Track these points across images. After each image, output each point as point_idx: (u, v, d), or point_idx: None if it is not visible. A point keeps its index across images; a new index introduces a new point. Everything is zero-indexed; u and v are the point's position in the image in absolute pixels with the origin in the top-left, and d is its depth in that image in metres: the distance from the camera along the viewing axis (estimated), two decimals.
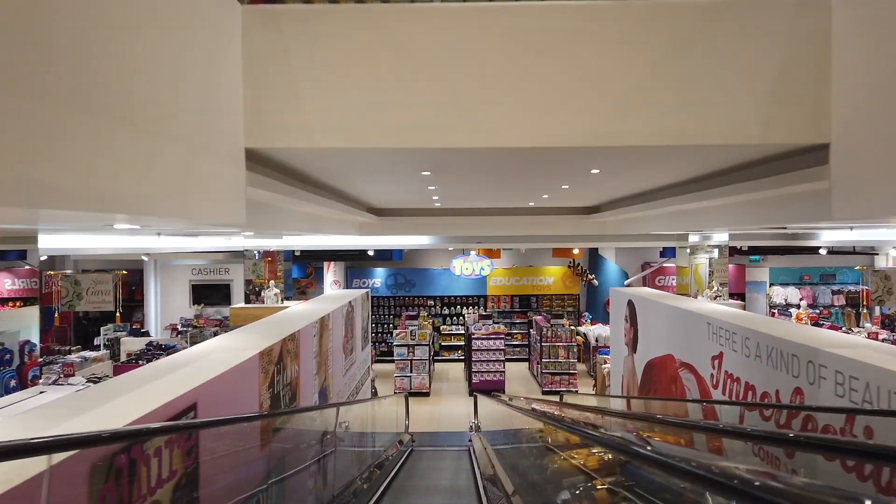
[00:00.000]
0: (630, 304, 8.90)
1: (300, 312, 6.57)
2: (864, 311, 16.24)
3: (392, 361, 15.53)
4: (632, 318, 8.81)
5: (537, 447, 6.62)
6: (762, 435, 3.76)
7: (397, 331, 15.62)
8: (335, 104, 4.21)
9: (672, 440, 4.53)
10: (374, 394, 12.13)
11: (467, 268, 16.37)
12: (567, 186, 7.50)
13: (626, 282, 19.47)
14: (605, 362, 11.83)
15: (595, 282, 19.47)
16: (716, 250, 12.03)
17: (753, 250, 16.87)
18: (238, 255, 15.53)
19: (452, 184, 7.15)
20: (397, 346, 15.21)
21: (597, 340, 17.05)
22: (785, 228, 10.75)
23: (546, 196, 9.10)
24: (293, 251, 15.51)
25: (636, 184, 7.17)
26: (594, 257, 19.84)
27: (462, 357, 18.87)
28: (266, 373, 4.44)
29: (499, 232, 12.70)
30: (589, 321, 19.04)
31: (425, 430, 12.10)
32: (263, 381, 4.39)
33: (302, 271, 17.43)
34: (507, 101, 4.20)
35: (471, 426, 12.01)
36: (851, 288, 18.75)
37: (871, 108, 3.86)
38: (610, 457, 4.79)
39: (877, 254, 17.51)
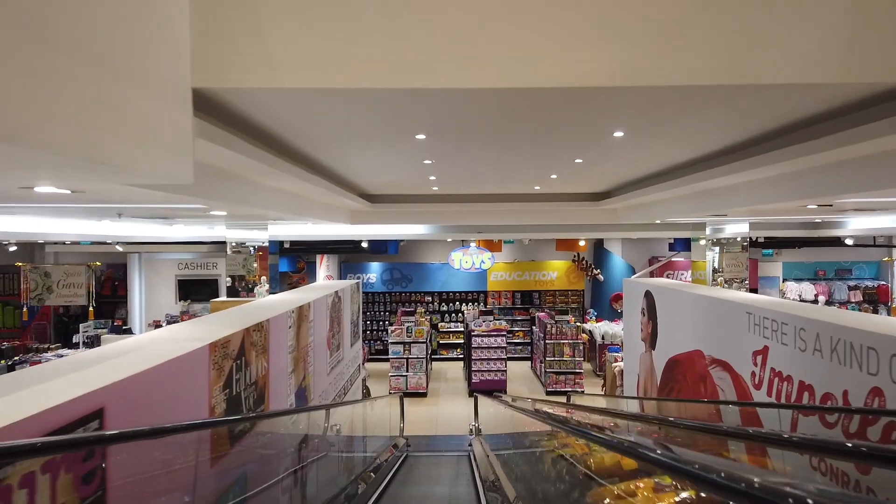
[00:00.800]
0: (648, 296, 8.05)
1: (274, 301, 5.71)
2: (893, 306, 15.39)
3: (387, 360, 14.67)
4: (650, 311, 7.96)
5: (545, 453, 5.82)
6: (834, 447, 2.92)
7: (393, 328, 14.76)
8: (307, 34, 3.35)
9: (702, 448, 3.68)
10: (367, 394, 11.27)
11: (467, 261, 15.50)
12: (581, 161, 6.64)
13: (632, 277, 18.62)
14: (616, 360, 10.98)
15: (600, 277, 18.63)
16: (736, 240, 11.17)
17: (769, 243, 16.01)
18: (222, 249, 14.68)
19: (451, 155, 6.29)
20: (392, 343, 14.35)
21: (603, 338, 16.22)
22: (820, 215, 9.90)
23: (555, 176, 8.24)
24: (281, 243, 14.64)
25: (661, 155, 6.31)
26: (599, 251, 19.00)
27: (461, 356, 18.02)
28: (220, 370, 3.57)
29: (501, 221, 11.84)
30: (594, 318, 18.19)
31: (422, 433, 11.25)
32: (217, 380, 3.53)
33: (293, 265, 16.56)
34: (519, 28, 3.34)
35: (471, 429, 11.18)
36: (869, 283, 17.91)
37: None
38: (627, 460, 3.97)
39: (893, 246, 16.67)
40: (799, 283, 17.94)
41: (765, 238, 14.02)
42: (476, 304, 18.71)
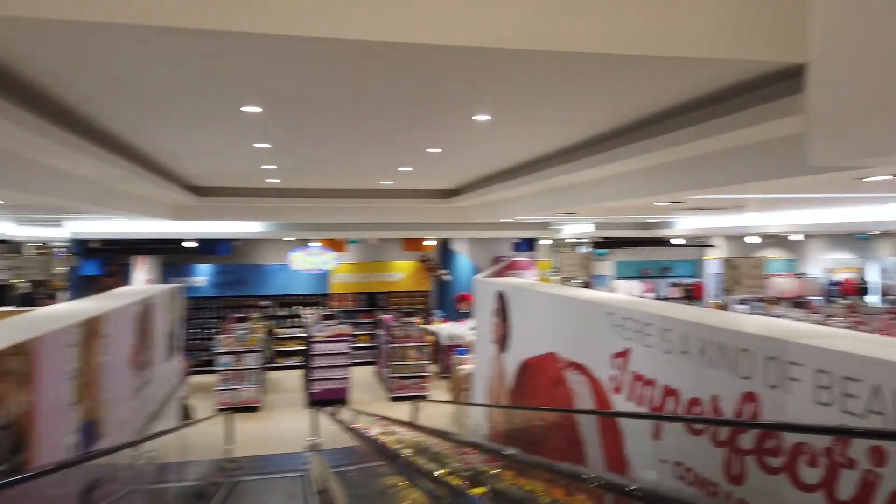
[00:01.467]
0: (501, 296, 7.71)
1: (53, 313, 4.51)
2: (709, 302, 16.70)
3: (216, 372, 13.24)
4: (502, 312, 7.62)
5: (389, 468, 5.23)
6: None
7: (222, 336, 13.35)
8: None
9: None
10: (187, 415, 9.93)
11: (308, 262, 14.46)
12: (438, 150, 6.10)
13: (478, 276, 18.65)
14: (464, 363, 10.65)
15: (447, 277, 18.43)
16: (579, 241, 11.35)
17: (605, 244, 16.73)
18: (13, 249, 12.37)
19: (290, 137, 5.43)
20: (221, 353, 12.96)
21: (449, 339, 15.97)
22: (658, 215, 10.26)
23: (407, 169, 7.65)
24: (86, 242, 12.68)
25: (523, 146, 5.94)
26: (446, 251, 18.81)
27: (301, 363, 16.90)
28: None
29: (346, 219, 11.07)
30: (440, 319, 17.95)
31: (255, 452, 10.14)
32: None
33: (104, 268, 14.47)
34: None
35: (309, 445, 10.28)
36: (687, 281, 19.46)
37: (862, 18, 2.84)
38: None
39: (712, 246, 18.21)
40: (628, 282, 19.02)
41: (603, 238, 14.54)
42: (318, 307, 17.68)
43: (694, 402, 3.97)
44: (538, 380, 6.47)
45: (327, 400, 13.31)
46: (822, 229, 9.76)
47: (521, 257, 18.72)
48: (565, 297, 6.04)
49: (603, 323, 5.09)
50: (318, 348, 13.42)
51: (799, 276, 19.12)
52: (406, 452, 5.19)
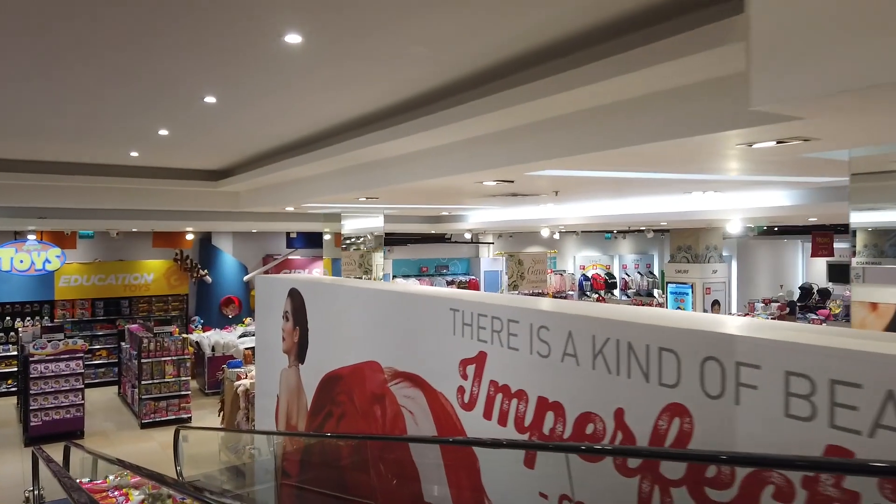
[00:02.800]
0: (294, 295, 6.31)
1: None
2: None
3: None
4: (297, 315, 6.24)
5: None
6: None
7: None
8: None
9: None
10: None
11: (23, 260, 11.26)
12: (212, 100, 4.53)
13: (245, 277, 16.67)
14: (240, 378, 8.94)
15: (208, 278, 16.10)
16: (368, 237, 10.30)
17: (387, 240, 15.91)
18: None
19: None
20: None
21: (213, 350, 13.84)
22: (449, 207, 9.55)
23: (164, 133, 5.85)
24: None
25: (333, 99, 4.63)
26: (207, 248, 16.44)
27: (14, 388, 13.35)
28: None
29: (78, 203, 8.63)
30: (200, 326, 15.59)
31: None
32: None
33: None
34: None
35: (27, 498, 7.73)
36: (462, 278, 19.57)
37: None
38: None
39: (490, 242, 18.49)
40: (406, 279, 18.52)
41: (386, 234, 13.68)
42: (39, 318, 14.18)
43: (585, 418, 3.12)
44: (351, 396, 5.24)
45: (54, 434, 10.49)
46: (617, 221, 10.01)
47: (296, 255, 17.18)
48: (392, 293, 4.92)
49: (446, 321, 4.07)
50: (40, 369, 10.49)
51: (559, 272, 20.38)
52: None
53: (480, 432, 3.73)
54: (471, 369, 3.86)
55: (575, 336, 3.13)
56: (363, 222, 10.50)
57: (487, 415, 3.72)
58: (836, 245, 13.86)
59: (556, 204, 9.14)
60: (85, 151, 7.04)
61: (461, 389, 3.94)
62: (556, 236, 17.65)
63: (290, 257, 17.10)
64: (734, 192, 7.90)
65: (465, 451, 3.90)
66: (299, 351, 6.18)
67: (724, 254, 14.02)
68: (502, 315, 3.62)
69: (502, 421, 3.60)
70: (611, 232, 20.34)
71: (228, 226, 11.00)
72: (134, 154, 7.13)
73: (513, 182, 5.43)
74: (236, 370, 9.26)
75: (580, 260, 21.74)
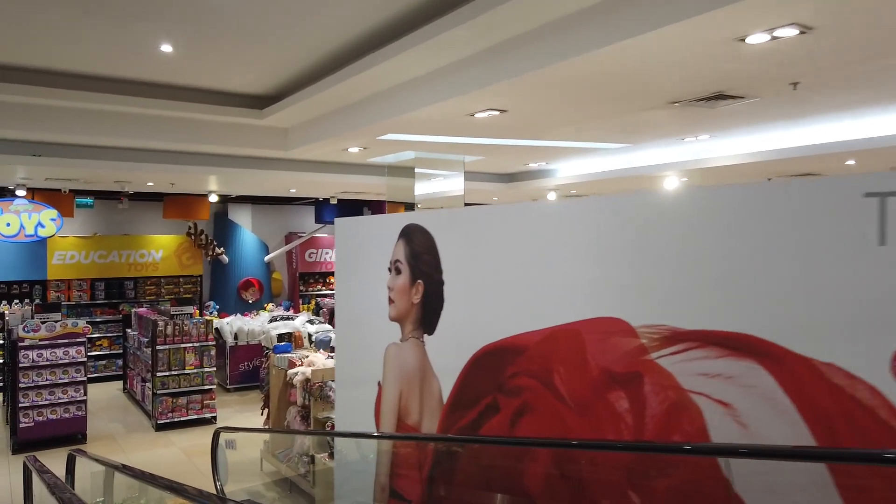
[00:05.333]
0: (413, 235, 4.31)
1: None
2: None
3: None
4: (419, 263, 4.23)
5: None
6: None
7: None
8: None
9: None
10: None
11: (10, 223, 9.10)
12: None
13: (266, 257, 14.64)
14: (296, 364, 6.91)
15: (225, 257, 14.03)
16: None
17: None
18: None
19: None
20: None
21: (236, 338, 11.81)
22: None
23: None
24: None
25: None
26: (223, 223, 14.38)
27: (0, 382, 11.26)
28: None
29: (84, 133, 6.60)
30: (216, 313, 13.52)
31: None
32: None
33: None
34: None
35: None
36: None
37: None
38: None
39: None
40: None
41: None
42: (30, 300, 12.07)
43: None
44: (546, 378, 3.25)
45: (49, 438, 8.45)
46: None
47: (322, 233, 15.18)
48: (675, 194, 2.95)
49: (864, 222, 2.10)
50: (31, 357, 8.42)
51: None
52: None
53: None
54: None
55: None
56: (436, 186, 8.47)
57: None
58: None
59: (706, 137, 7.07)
60: (97, 46, 5.00)
61: None
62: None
63: (316, 235, 15.08)
64: None
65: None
66: (424, 316, 4.19)
67: None
68: None
69: None
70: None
71: (268, 179, 8.84)
72: (166, 48, 5.09)
73: None
74: (286, 355, 7.23)
75: None
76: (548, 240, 3.32)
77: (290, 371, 6.86)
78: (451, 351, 3.98)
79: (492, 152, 7.58)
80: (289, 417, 7.28)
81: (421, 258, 4.23)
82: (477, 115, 5.37)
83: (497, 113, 5.25)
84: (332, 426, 6.40)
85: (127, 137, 6.54)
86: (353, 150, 7.27)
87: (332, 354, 7.34)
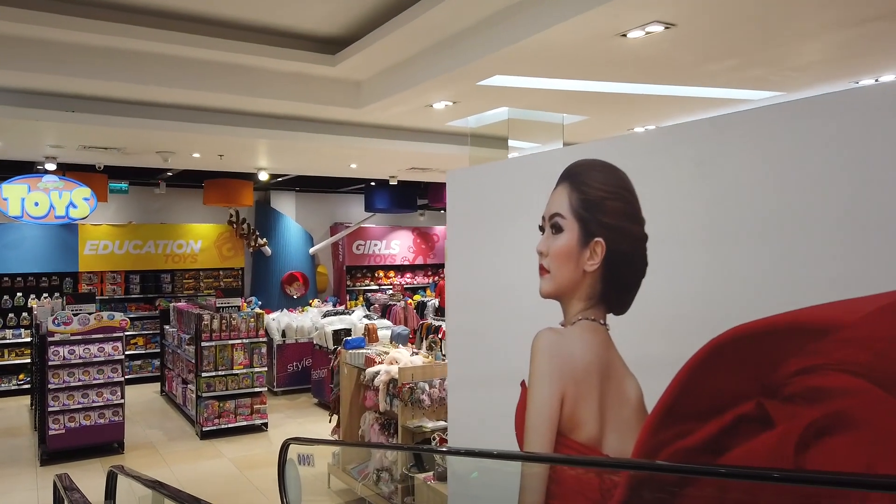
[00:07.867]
0: (583, 176, 3.08)
1: None
2: None
3: None
4: (597, 214, 3.00)
5: None
6: None
7: None
8: None
9: None
10: None
11: (39, 202, 8.06)
12: None
13: (311, 249, 13.54)
14: (375, 362, 5.72)
15: (267, 249, 12.96)
16: None
17: None
18: None
19: None
20: None
21: (283, 336, 10.72)
22: None
23: None
24: None
25: None
26: (265, 211, 13.32)
27: (27, 385, 10.30)
28: None
29: (122, 87, 5.51)
30: (257, 309, 12.42)
31: None
32: None
33: None
34: None
35: None
36: None
37: None
38: None
39: None
40: None
41: None
42: (60, 293, 11.11)
43: None
44: (893, 379, 2.01)
45: (82, 448, 7.40)
46: None
47: (370, 223, 14.07)
48: None
49: None
50: (62, 353, 7.35)
51: None
52: None
53: None
54: None
55: None
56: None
57: None
58: None
59: None
60: None
61: None
62: None
63: (363, 225, 13.95)
64: None
65: None
66: (608, 289, 2.95)
67: None
68: None
69: None
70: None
71: (331, 147, 7.60)
72: None
73: None
74: (361, 351, 6.05)
75: None
76: (868, 145, 2.05)
77: (369, 370, 5.67)
78: (658, 337, 2.74)
79: (601, 107, 6.32)
80: (364, 426, 6.11)
81: (602, 206, 2.99)
82: (630, 35, 4.13)
83: (662, 28, 4.00)
84: (426, 438, 5.20)
85: (173, 86, 5.40)
86: (440, 105, 6.07)
87: (416, 350, 6.14)
